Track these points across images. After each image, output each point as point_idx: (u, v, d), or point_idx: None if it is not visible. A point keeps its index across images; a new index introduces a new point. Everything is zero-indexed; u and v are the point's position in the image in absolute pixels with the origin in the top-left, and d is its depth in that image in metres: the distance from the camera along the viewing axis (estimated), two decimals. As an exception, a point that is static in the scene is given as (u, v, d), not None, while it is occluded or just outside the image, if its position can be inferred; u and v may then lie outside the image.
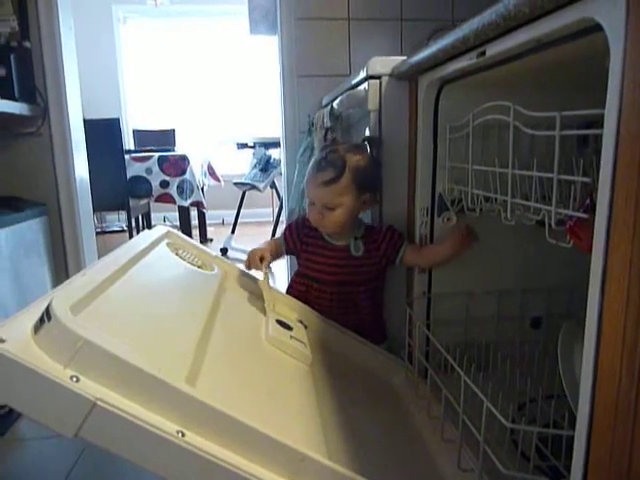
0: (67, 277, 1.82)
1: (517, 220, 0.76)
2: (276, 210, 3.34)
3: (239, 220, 3.47)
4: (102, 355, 0.48)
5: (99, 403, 0.47)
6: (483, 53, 0.71)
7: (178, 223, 3.16)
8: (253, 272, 1.11)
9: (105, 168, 2.55)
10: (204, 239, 3.58)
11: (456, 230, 1.02)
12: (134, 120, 4.45)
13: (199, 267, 0.98)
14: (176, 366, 0.55)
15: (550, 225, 0.63)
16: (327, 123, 1.27)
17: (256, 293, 1.03)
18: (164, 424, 0.49)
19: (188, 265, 0.96)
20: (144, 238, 0.93)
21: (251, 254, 1.10)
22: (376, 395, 1.00)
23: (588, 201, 0.56)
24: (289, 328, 0.90)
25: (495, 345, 1.11)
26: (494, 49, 0.68)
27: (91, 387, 0.48)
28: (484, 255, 1.10)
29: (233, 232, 3.42)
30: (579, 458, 0.50)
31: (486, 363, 1.09)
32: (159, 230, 1.00)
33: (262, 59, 4.27)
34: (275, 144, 3.23)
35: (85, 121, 2.07)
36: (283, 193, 2.36)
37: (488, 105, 0.73)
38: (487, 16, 0.64)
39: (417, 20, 1.77)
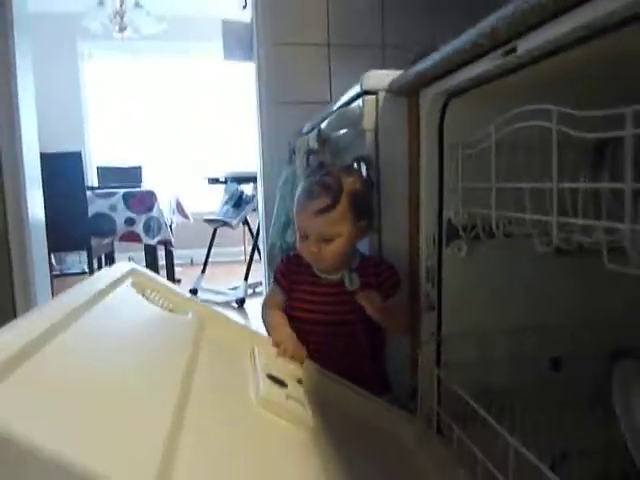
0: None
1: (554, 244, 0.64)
2: (249, 249, 3.18)
3: (210, 259, 3.29)
4: (24, 455, 0.31)
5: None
6: (512, 50, 0.61)
7: (144, 263, 2.96)
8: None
9: (65, 205, 2.37)
10: (172, 280, 3.36)
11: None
12: (98, 157, 4.26)
13: (171, 311, 0.82)
14: (141, 458, 0.39)
15: (615, 249, 0.51)
16: (314, 147, 1.15)
17: (239, 341, 0.87)
18: None
19: (157, 309, 0.79)
20: (103, 277, 0.77)
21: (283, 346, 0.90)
22: (385, 456, 0.84)
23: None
24: (283, 385, 0.74)
25: (511, 390, 0.98)
26: (528, 44, 0.58)
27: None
28: (497, 289, 0.98)
29: (203, 272, 3.23)
30: None
31: (502, 411, 0.95)
32: (122, 267, 0.84)
33: (232, 93, 4.21)
34: (247, 179, 3.11)
35: (43, 155, 1.91)
36: (260, 228, 2.22)
37: (519, 111, 0.63)
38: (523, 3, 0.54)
39: (399, 47, 1.71)
